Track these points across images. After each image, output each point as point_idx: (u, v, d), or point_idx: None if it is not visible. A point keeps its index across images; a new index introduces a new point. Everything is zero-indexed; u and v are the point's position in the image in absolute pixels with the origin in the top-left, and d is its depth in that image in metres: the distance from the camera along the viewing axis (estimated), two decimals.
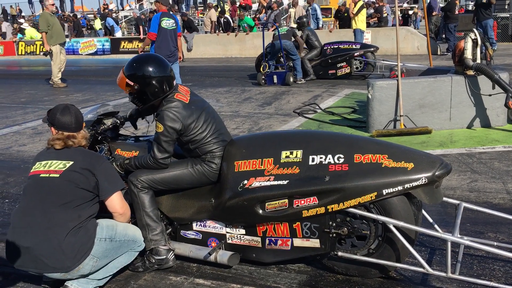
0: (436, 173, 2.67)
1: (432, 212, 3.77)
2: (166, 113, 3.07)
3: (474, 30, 6.18)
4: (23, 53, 22.39)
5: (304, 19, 11.28)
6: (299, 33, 11.23)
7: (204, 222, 3.22)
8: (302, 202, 2.83)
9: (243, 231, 3.10)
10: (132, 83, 3.13)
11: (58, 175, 2.75)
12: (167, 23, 7.88)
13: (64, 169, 2.77)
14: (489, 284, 2.63)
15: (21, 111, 9.13)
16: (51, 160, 2.83)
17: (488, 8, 13.61)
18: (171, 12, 8.97)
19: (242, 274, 3.10)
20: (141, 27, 19.95)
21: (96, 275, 2.83)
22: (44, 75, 13.96)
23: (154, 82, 3.11)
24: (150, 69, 3.12)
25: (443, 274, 2.67)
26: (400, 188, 2.67)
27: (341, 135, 3.18)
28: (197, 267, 3.22)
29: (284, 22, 20.36)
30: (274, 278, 3.03)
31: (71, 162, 2.79)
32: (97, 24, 24.28)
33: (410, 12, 25.81)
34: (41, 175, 2.79)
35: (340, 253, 2.86)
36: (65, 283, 2.80)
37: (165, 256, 3.15)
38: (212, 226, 3.20)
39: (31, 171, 2.86)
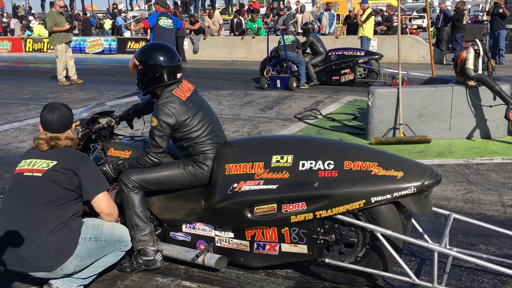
0: (426, 183, 2.65)
1: (424, 222, 3.76)
2: (161, 108, 3.09)
3: (477, 40, 6.15)
4: (31, 50, 22.51)
5: (310, 26, 11.27)
6: (303, 39, 11.25)
7: (194, 224, 3.21)
8: (291, 207, 2.81)
9: (231, 235, 3.09)
10: (138, 63, 3.22)
11: (40, 174, 2.75)
12: (165, 22, 8.50)
13: (47, 168, 2.76)
14: None
15: (24, 107, 9.18)
16: (35, 159, 2.83)
17: (503, 18, 13.86)
18: (169, 13, 9.54)
19: (229, 278, 3.09)
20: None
21: (81, 274, 2.83)
22: (49, 73, 14.03)
23: (156, 67, 3.16)
24: (157, 54, 3.18)
25: (429, 284, 2.65)
26: (388, 196, 2.66)
27: (332, 142, 3.17)
28: (185, 269, 3.21)
29: (292, 27, 20.39)
30: (261, 283, 3.02)
31: (55, 162, 2.78)
32: (107, 24, 24.40)
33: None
34: (25, 173, 2.79)
35: (327, 260, 2.84)
36: (49, 281, 2.80)
37: (152, 257, 3.14)
38: (201, 229, 3.19)
39: (16, 168, 2.86)
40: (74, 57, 12.42)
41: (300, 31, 15.50)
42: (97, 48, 20.91)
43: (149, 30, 8.73)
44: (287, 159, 2.91)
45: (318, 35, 13.39)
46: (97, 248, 2.84)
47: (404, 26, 22.07)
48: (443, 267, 2.88)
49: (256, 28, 17.83)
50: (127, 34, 21.33)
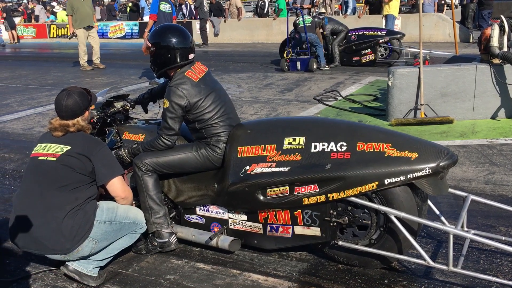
0: (441, 164, 2.58)
1: (443, 204, 3.69)
2: (173, 89, 3.09)
3: (502, 17, 5.94)
4: (55, 36, 22.78)
5: (316, 19, 10.96)
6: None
7: (207, 207, 3.22)
8: (303, 189, 2.78)
9: (245, 217, 3.09)
10: (150, 45, 3.23)
11: (55, 159, 2.78)
12: (165, 7, 9.28)
13: (61, 153, 2.78)
14: (492, 279, 2.55)
15: (47, 92, 9.32)
16: (50, 143, 2.85)
17: None
18: None
19: (243, 260, 3.10)
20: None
21: (97, 256, 2.87)
22: (72, 58, 14.18)
23: (169, 49, 3.16)
24: (169, 36, 3.17)
25: (444, 267, 2.60)
26: (402, 178, 2.60)
27: (345, 123, 3.10)
28: (199, 251, 3.23)
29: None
30: (274, 265, 3.01)
31: (69, 147, 2.80)
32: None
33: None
34: (40, 157, 2.83)
35: (340, 242, 2.81)
36: (65, 263, 2.85)
37: (167, 239, 3.16)
38: (215, 211, 3.20)
39: (32, 152, 2.90)
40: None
41: (323, 10, 15.23)
42: (119, 33, 21.02)
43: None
44: (299, 141, 2.88)
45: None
46: (112, 231, 2.87)
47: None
48: (460, 250, 2.82)
49: (277, 9, 17.59)
50: (146, 18, 21.32)
